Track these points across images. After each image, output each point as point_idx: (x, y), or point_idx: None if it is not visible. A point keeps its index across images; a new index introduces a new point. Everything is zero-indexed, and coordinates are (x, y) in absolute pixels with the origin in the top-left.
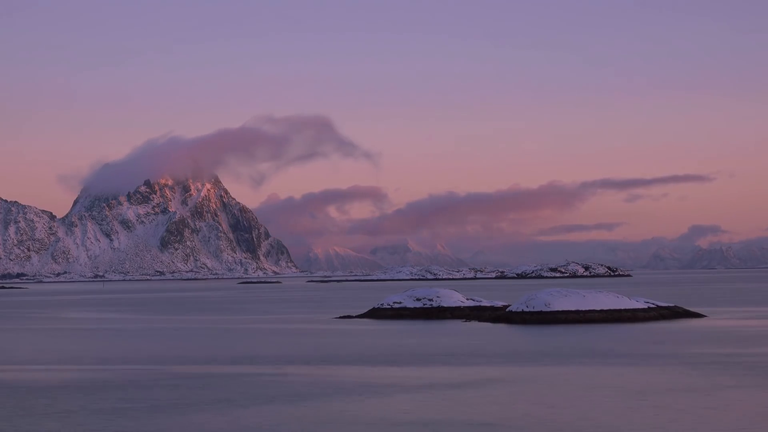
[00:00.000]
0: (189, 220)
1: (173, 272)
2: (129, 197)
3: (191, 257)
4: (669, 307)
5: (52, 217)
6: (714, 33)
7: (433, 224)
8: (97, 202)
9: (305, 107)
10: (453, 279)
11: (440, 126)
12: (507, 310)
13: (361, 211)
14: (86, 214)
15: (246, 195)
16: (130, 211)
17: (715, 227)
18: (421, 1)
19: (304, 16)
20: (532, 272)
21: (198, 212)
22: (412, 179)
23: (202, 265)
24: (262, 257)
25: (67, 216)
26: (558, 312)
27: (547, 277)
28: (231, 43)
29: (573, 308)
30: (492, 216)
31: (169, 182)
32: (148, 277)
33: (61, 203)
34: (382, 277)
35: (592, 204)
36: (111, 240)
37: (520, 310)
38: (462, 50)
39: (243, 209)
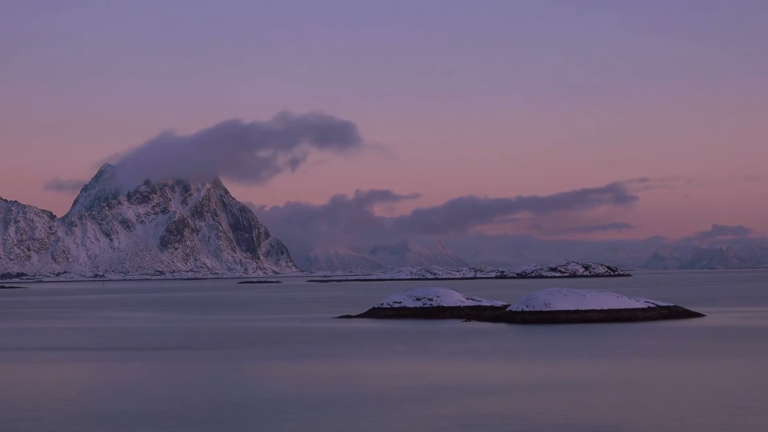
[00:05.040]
0: (189, 220)
1: (173, 272)
2: (129, 197)
3: (191, 257)
4: (669, 306)
5: (52, 216)
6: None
7: (468, 224)
8: (97, 202)
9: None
10: (453, 279)
11: (494, 127)
12: (507, 309)
13: (407, 209)
14: (86, 214)
15: (248, 194)
16: (130, 211)
17: (739, 227)
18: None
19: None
20: (532, 272)
21: (198, 212)
22: (448, 180)
23: (202, 265)
24: (261, 257)
25: (67, 216)
26: (558, 312)
27: (546, 277)
28: (239, 39)
29: (573, 308)
30: (539, 217)
31: (169, 182)
32: (148, 277)
33: (61, 203)
34: (382, 276)
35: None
36: (111, 240)
37: (520, 309)
38: (516, 54)
39: (243, 209)
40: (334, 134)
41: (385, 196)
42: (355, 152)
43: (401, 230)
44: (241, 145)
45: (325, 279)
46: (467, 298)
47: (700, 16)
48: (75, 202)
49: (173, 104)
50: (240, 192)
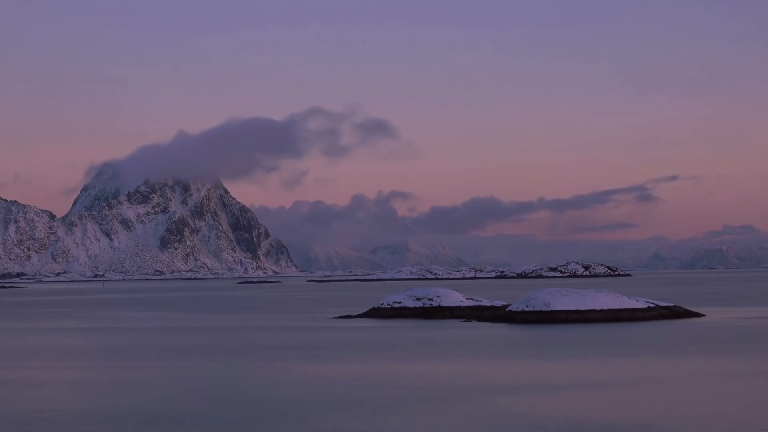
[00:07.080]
0: (189, 220)
1: (173, 272)
2: (129, 197)
3: (191, 257)
4: (669, 306)
5: (52, 216)
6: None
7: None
8: (97, 202)
9: (354, 106)
10: (453, 279)
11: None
12: (507, 309)
13: (425, 207)
14: (86, 214)
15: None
16: (130, 211)
17: (747, 227)
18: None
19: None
20: (532, 272)
21: (198, 212)
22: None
23: (202, 265)
24: (261, 257)
25: (67, 215)
26: (558, 312)
27: (547, 277)
28: (242, 37)
29: (573, 308)
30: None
31: (169, 182)
32: (148, 277)
33: (61, 203)
34: (382, 276)
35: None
36: (111, 239)
37: (520, 309)
38: (545, 59)
39: (243, 209)
40: (355, 134)
41: (406, 196)
42: (377, 152)
43: (419, 230)
44: (253, 145)
45: (325, 279)
46: (467, 298)
47: (724, 17)
48: (75, 202)
49: (176, 104)
50: (247, 192)
